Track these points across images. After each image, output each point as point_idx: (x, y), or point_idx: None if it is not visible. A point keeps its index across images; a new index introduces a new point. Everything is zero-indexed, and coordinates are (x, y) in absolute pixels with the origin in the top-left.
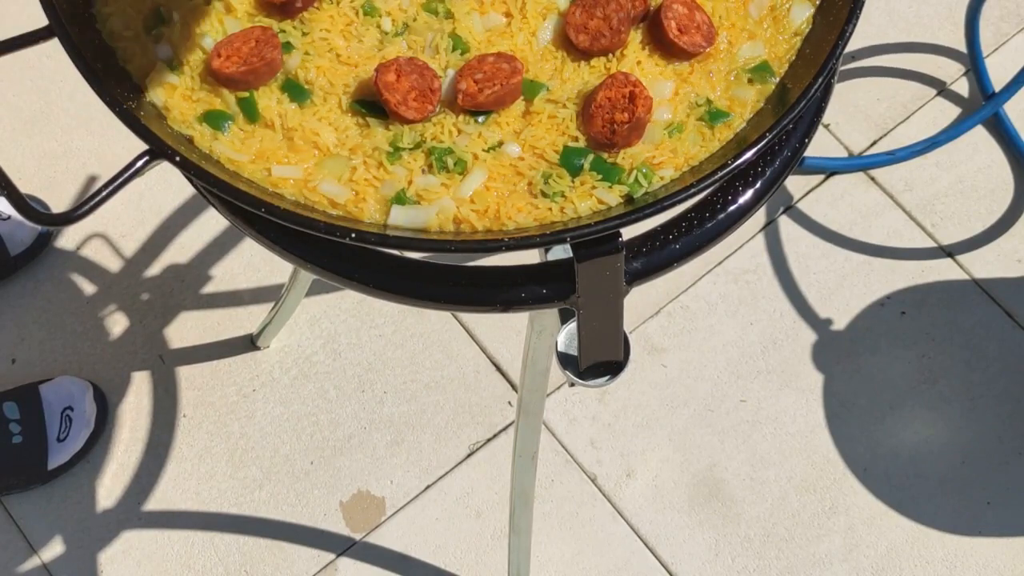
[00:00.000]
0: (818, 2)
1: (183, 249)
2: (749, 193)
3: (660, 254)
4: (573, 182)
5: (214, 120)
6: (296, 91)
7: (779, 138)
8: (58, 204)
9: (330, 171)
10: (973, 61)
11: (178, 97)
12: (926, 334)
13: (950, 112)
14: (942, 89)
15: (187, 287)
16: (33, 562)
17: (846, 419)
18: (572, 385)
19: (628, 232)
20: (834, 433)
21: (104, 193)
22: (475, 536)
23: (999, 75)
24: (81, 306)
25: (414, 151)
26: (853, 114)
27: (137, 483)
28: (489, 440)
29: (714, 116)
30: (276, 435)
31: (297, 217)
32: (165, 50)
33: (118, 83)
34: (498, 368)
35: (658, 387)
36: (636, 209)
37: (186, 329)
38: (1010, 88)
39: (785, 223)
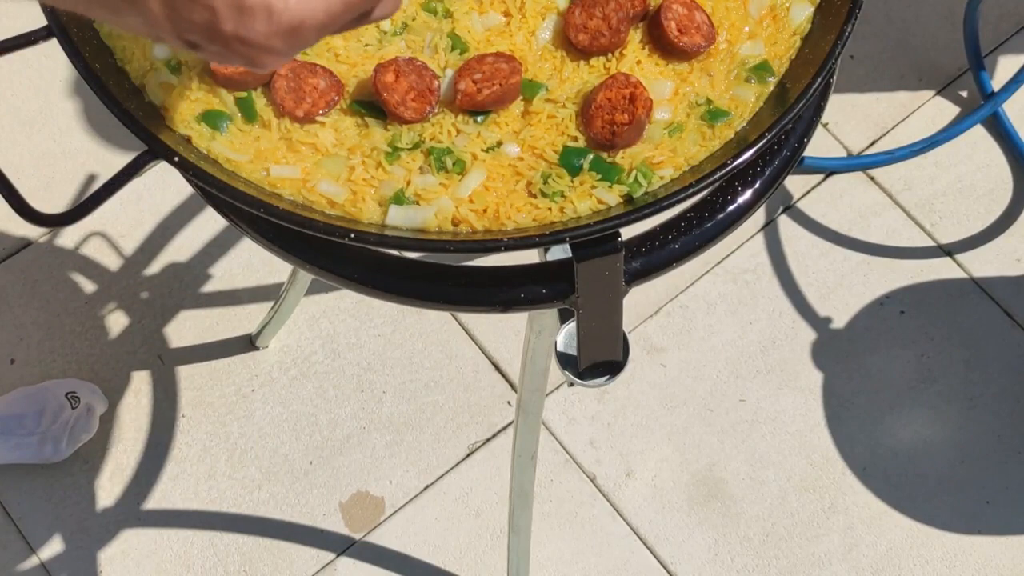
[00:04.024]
0: (818, 1)
1: (182, 249)
2: (748, 193)
3: (659, 254)
4: (572, 182)
5: (212, 120)
6: None
7: (778, 138)
8: (57, 204)
9: (328, 171)
10: (972, 60)
11: (176, 97)
12: (925, 333)
13: (949, 111)
14: (941, 88)
15: (186, 287)
16: (32, 562)
17: (845, 418)
18: (571, 385)
19: (627, 232)
20: (833, 432)
21: (103, 193)
22: (474, 536)
23: (998, 74)
24: (80, 306)
25: (413, 151)
26: (852, 113)
27: (136, 483)
28: (488, 440)
29: (714, 115)
30: (275, 435)
31: (296, 217)
32: (163, 50)
33: (116, 83)
34: (497, 368)
35: (657, 387)
36: (635, 209)
37: (185, 329)
38: (1009, 87)
39: (784, 223)
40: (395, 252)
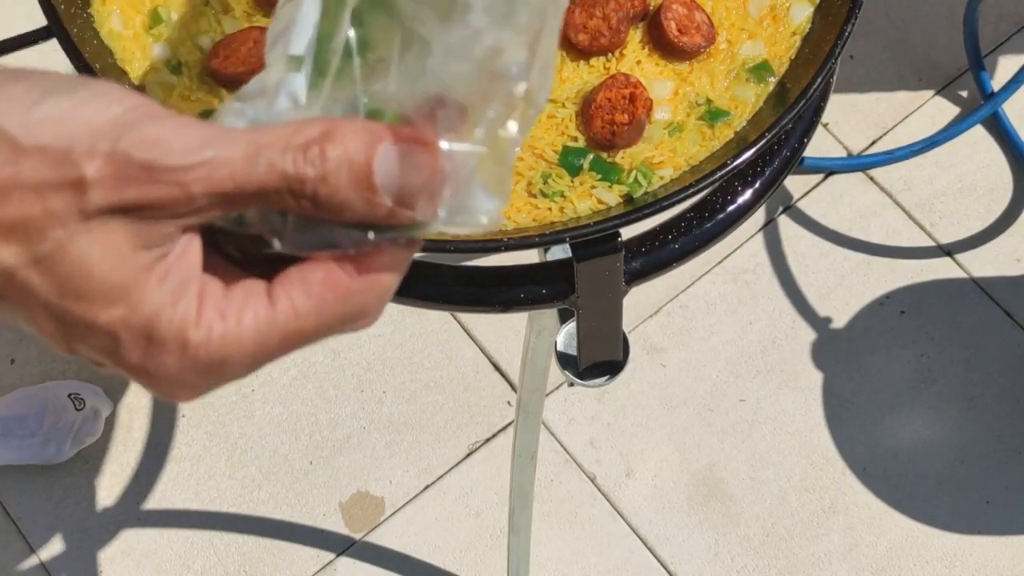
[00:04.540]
0: (817, 2)
1: None
2: (748, 193)
3: (659, 254)
4: (572, 182)
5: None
6: None
7: (778, 138)
8: None
9: None
10: (972, 60)
11: (176, 97)
12: (925, 333)
13: (949, 111)
14: (941, 88)
15: None
16: (32, 561)
17: (845, 418)
18: (571, 385)
19: (627, 232)
20: (833, 432)
21: None
22: (474, 536)
23: (998, 74)
24: None
25: None
26: (852, 113)
27: (136, 483)
28: (488, 440)
29: (714, 115)
30: (275, 435)
31: None
32: (163, 50)
33: (117, 83)
34: (497, 368)
35: (657, 387)
36: (635, 209)
37: None
38: (1009, 87)
39: (784, 222)
40: None
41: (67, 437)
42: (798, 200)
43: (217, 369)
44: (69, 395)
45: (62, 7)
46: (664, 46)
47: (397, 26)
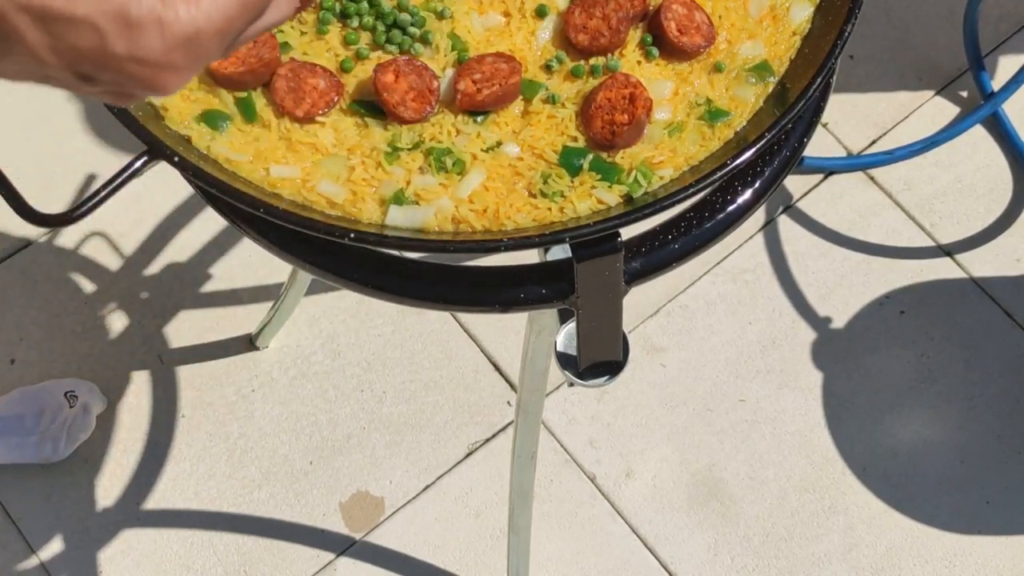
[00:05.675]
0: (817, 1)
1: (182, 249)
2: (748, 193)
3: (659, 254)
4: (572, 182)
5: (212, 120)
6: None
7: (778, 138)
8: (57, 204)
9: (328, 171)
10: (972, 60)
11: (176, 97)
12: (925, 333)
13: (949, 111)
14: (941, 88)
15: (186, 287)
16: (32, 562)
17: (845, 418)
18: (571, 385)
19: (627, 232)
20: (833, 432)
21: (103, 193)
22: (474, 536)
23: (998, 74)
24: (80, 306)
25: (412, 151)
26: (852, 113)
27: (136, 483)
28: (488, 440)
29: (714, 115)
30: (275, 435)
31: (296, 217)
32: None
33: None
34: (497, 368)
35: (657, 387)
36: (635, 209)
37: (185, 329)
38: (1009, 87)
39: (784, 222)
40: (395, 252)
41: (62, 435)
42: (798, 200)
43: (194, 42)
44: (65, 394)
45: None
46: (664, 46)
47: None
